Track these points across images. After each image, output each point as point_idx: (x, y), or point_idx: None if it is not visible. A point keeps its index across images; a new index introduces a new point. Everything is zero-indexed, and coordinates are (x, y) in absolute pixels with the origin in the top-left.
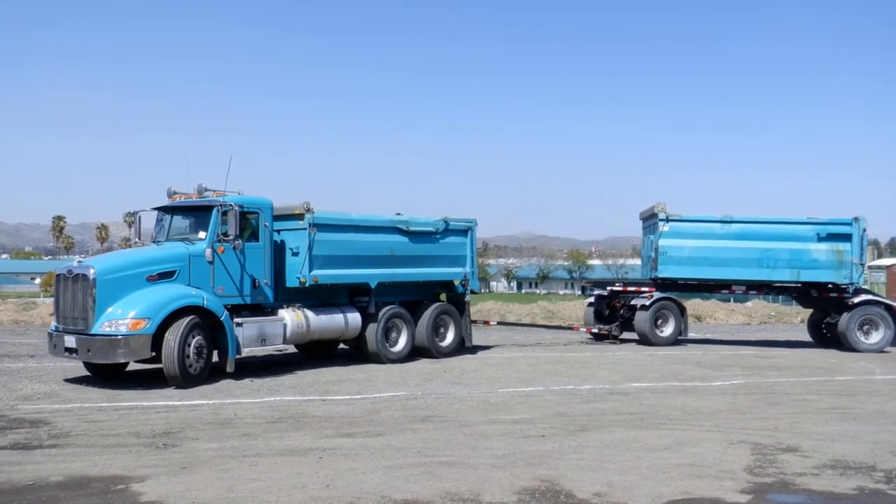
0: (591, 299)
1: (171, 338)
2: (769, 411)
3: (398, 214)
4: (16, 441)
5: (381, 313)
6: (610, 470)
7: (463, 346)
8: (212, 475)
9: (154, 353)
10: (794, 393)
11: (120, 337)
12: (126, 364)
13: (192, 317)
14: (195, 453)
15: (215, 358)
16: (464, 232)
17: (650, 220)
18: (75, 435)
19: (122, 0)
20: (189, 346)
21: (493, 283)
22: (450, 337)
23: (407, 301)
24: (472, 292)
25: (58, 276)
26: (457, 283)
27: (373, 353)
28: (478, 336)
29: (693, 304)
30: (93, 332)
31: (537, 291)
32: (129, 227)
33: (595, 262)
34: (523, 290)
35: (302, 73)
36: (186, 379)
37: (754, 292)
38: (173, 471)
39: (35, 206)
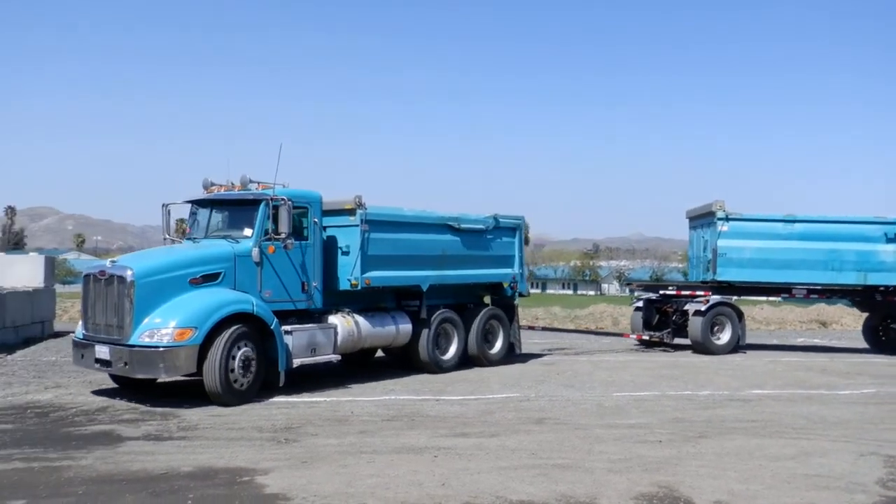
0: (640, 303)
1: (214, 350)
2: None
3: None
4: (148, 432)
5: (432, 318)
6: (731, 478)
7: (512, 353)
8: (331, 470)
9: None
10: None
11: (162, 349)
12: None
13: (237, 325)
14: (315, 448)
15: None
16: (512, 230)
17: (703, 218)
18: (202, 428)
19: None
20: (234, 358)
21: (604, 286)
22: (499, 343)
23: (452, 304)
24: (521, 295)
25: (87, 276)
26: (505, 285)
27: (424, 361)
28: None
29: (818, 309)
30: (130, 342)
31: None
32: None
33: None
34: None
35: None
36: (231, 396)
37: (816, 296)
38: (295, 465)
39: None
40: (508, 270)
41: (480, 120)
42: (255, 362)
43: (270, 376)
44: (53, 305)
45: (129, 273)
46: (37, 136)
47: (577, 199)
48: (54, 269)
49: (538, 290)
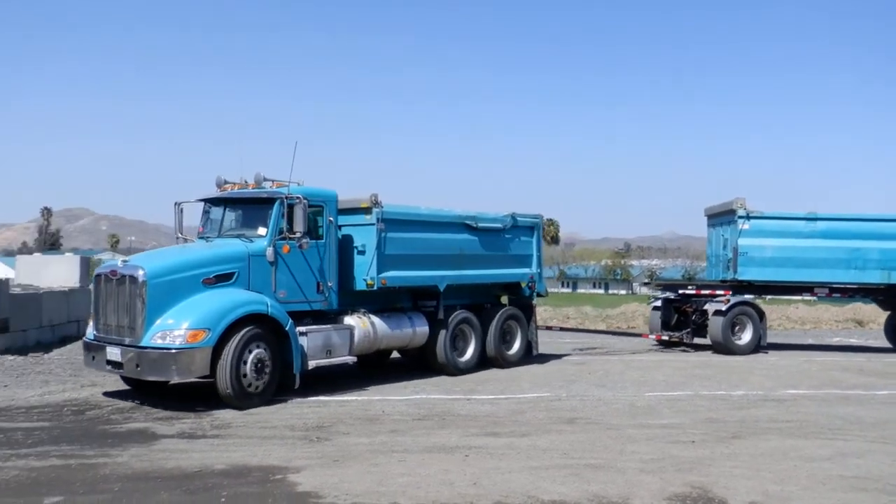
0: (658, 303)
1: (226, 352)
2: None
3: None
4: (182, 430)
5: (450, 319)
6: (766, 479)
7: (529, 354)
8: (363, 469)
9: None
10: None
11: (174, 351)
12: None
13: (250, 327)
14: (346, 447)
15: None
16: (530, 229)
17: (723, 217)
18: (235, 426)
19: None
20: (246, 361)
21: (635, 285)
22: (517, 344)
23: (468, 305)
24: (539, 295)
25: (98, 275)
26: (523, 284)
27: (441, 363)
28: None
29: (854, 309)
30: (142, 343)
31: None
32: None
33: None
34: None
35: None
36: (243, 399)
37: (838, 294)
38: (326, 463)
39: None
40: (526, 270)
41: (507, 118)
42: (270, 364)
43: (286, 378)
44: (89, 305)
45: (140, 273)
46: (72, 138)
47: (607, 198)
48: (89, 269)
49: (569, 290)
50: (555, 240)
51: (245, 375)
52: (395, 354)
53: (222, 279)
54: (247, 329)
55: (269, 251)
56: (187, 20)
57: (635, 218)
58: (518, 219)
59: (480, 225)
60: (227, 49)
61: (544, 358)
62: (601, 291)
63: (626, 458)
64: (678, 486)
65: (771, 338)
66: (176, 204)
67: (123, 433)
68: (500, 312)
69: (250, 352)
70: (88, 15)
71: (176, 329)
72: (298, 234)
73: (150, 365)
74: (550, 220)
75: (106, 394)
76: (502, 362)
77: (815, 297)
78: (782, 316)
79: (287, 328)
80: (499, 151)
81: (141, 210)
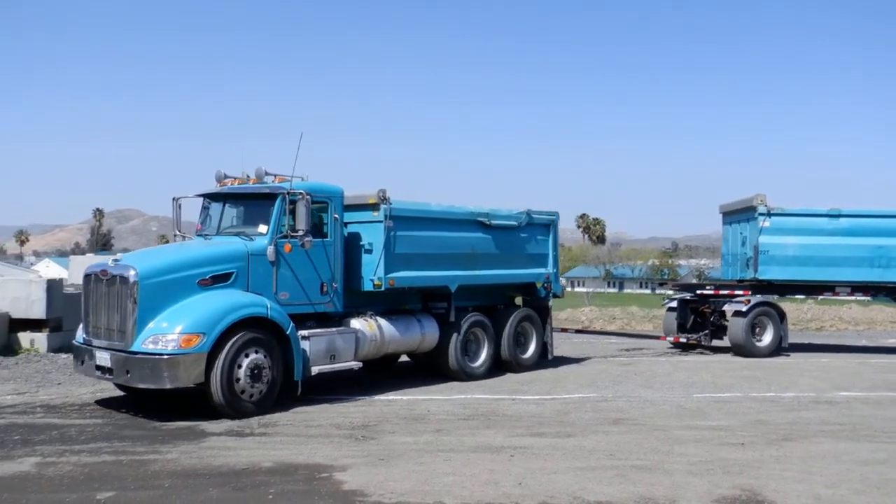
0: (673, 304)
1: (219, 358)
2: None
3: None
4: (230, 428)
5: (461, 322)
6: (817, 483)
7: (545, 359)
8: (408, 468)
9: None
10: None
11: (167, 356)
12: None
13: (245, 331)
14: (392, 446)
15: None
16: (546, 227)
17: (741, 213)
18: (282, 424)
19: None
20: (240, 367)
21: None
22: (531, 348)
23: (481, 306)
24: (555, 296)
25: (87, 275)
26: (538, 285)
27: (453, 369)
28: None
29: None
30: (133, 348)
31: None
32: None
33: None
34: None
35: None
36: (238, 408)
37: (860, 294)
38: (372, 462)
39: None
40: (542, 270)
41: (557, 118)
42: (270, 370)
43: (289, 385)
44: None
45: (131, 273)
46: (123, 140)
47: (655, 197)
48: None
49: (615, 290)
50: (601, 239)
51: (239, 381)
52: (404, 357)
53: (219, 280)
54: (242, 333)
55: (270, 250)
56: (239, 21)
57: (683, 217)
58: (534, 216)
59: (494, 222)
60: (271, 49)
61: (590, 359)
62: (648, 291)
63: (674, 460)
64: (727, 488)
65: (823, 339)
66: (174, 199)
67: (173, 430)
68: (514, 314)
69: (246, 356)
70: (137, 21)
71: (168, 333)
72: (301, 232)
73: (141, 372)
74: (596, 219)
75: (155, 391)
76: (517, 367)
77: (835, 297)
78: (835, 317)
79: (288, 332)
80: (546, 151)
81: (190, 212)
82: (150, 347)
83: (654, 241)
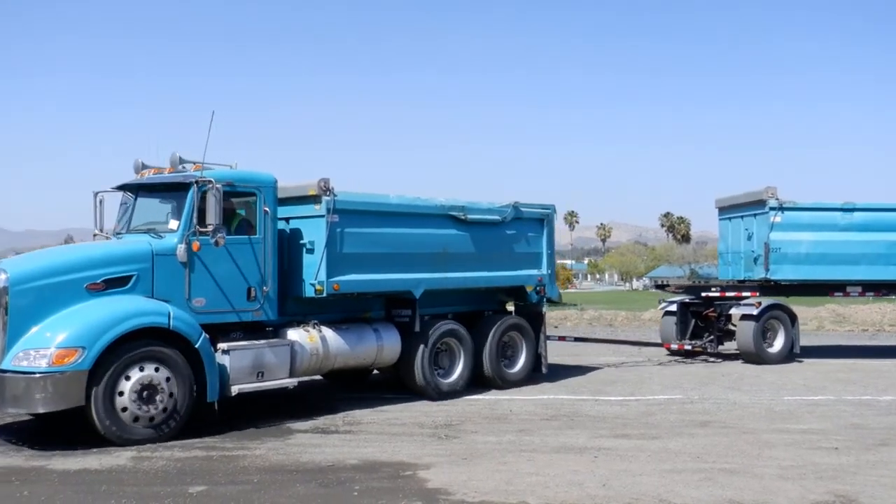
0: (671, 307)
1: (99, 377)
2: None
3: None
4: (316, 426)
5: (430, 332)
6: None
7: (538, 372)
8: (491, 467)
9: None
10: None
11: (38, 376)
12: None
13: (139, 345)
14: (475, 445)
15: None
16: (539, 222)
17: (746, 208)
18: (366, 423)
19: None
20: (124, 388)
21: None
22: (521, 360)
23: (462, 313)
24: (550, 301)
25: None
26: (530, 289)
27: (419, 385)
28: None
29: None
30: (2, 366)
31: None
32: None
33: None
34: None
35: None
36: (125, 434)
37: (872, 293)
38: (455, 461)
39: None
40: (534, 271)
41: (641, 118)
42: (168, 390)
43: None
44: None
45: (2, 278)
46: None
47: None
48: None
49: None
50: (686, 238)
51: (123, 400)
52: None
53: (115, 284)
54: (137, 347)
55: (181, 249)
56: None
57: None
58: (522, 210)
59: (471, 217)
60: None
61: (676, 360)
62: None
63: (764, 464)
64: (819, 493)
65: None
66: (95, 194)
67: (261, 427)
68: (498, 322)
69: (131, 376)
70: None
71: (42, 348)
72: (210, 228)
73: (12, 393)
74: (681, 217)
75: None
76: (500, 383)
77: (846, 297)
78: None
79: (197, 345)
80: (633, 148)
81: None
82: (21, 365)
83: None
